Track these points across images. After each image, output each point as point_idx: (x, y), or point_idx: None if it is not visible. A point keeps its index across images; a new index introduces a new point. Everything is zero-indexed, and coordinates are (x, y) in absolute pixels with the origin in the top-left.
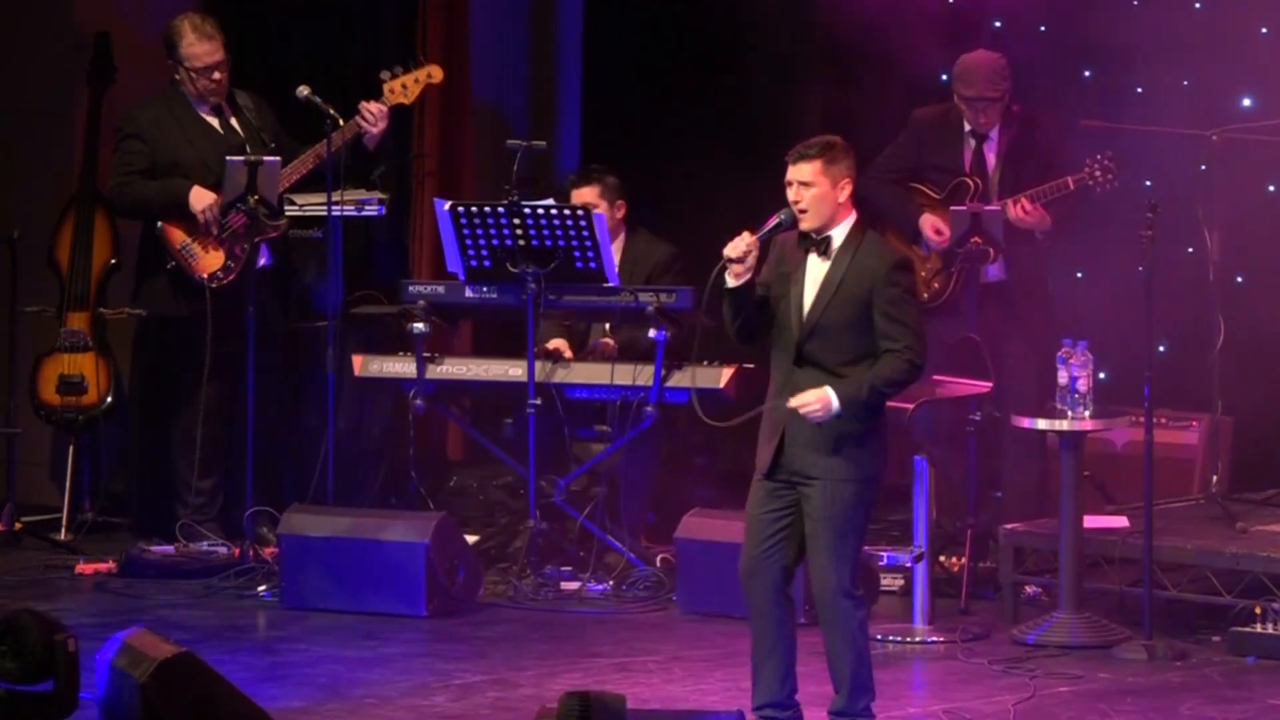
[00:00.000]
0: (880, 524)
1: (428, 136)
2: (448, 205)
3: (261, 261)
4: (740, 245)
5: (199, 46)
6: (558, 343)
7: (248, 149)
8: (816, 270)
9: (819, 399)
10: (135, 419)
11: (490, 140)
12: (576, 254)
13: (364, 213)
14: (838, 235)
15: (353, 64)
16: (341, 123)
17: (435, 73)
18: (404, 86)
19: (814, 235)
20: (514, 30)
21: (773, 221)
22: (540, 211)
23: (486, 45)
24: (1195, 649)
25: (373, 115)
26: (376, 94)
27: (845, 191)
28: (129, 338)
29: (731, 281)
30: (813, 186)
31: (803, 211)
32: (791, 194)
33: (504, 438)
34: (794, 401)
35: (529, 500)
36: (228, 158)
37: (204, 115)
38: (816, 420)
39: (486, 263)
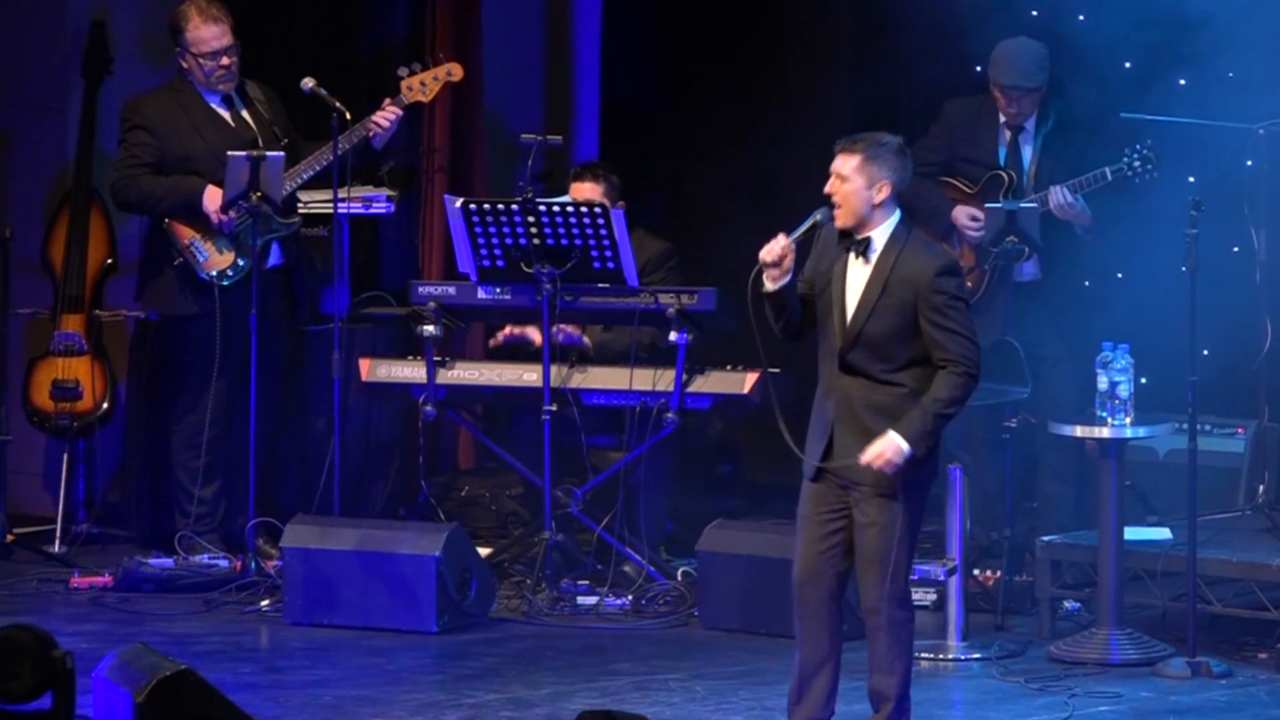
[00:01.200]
0: None
1: (438, 130)
2: (459, 202)
3: (272, 261)
4: (775, 249)
5: (205, 30)
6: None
7: (260, 142)
8: (858, 274)
9: (891, 449)
10: (134, 425)
11: (503, 135)
12: (594, 253)
13: (372, 210)
14: (878, 238)
15: (361, 56)
16: (348, 116)
17: (455, 70)
18: (422, 84)
19: (854, 235)
20: (529, 19)
21: (808, 222)
22: (556, 209)
23: (499, 34)
24: (1241, 667)
25: (391, 119)
26: (386, 89)
27: (882, 194)
28: (125, 341)
29: (769, 286)
30: (848, 181)
31: (837, 206)
32: (829, 184)
33: (513, 431)
34: (866, 457)
35: (544, 511)
36: (229, 152)
37: (214, 106)
38: (892, 470)
39: (500, 263)
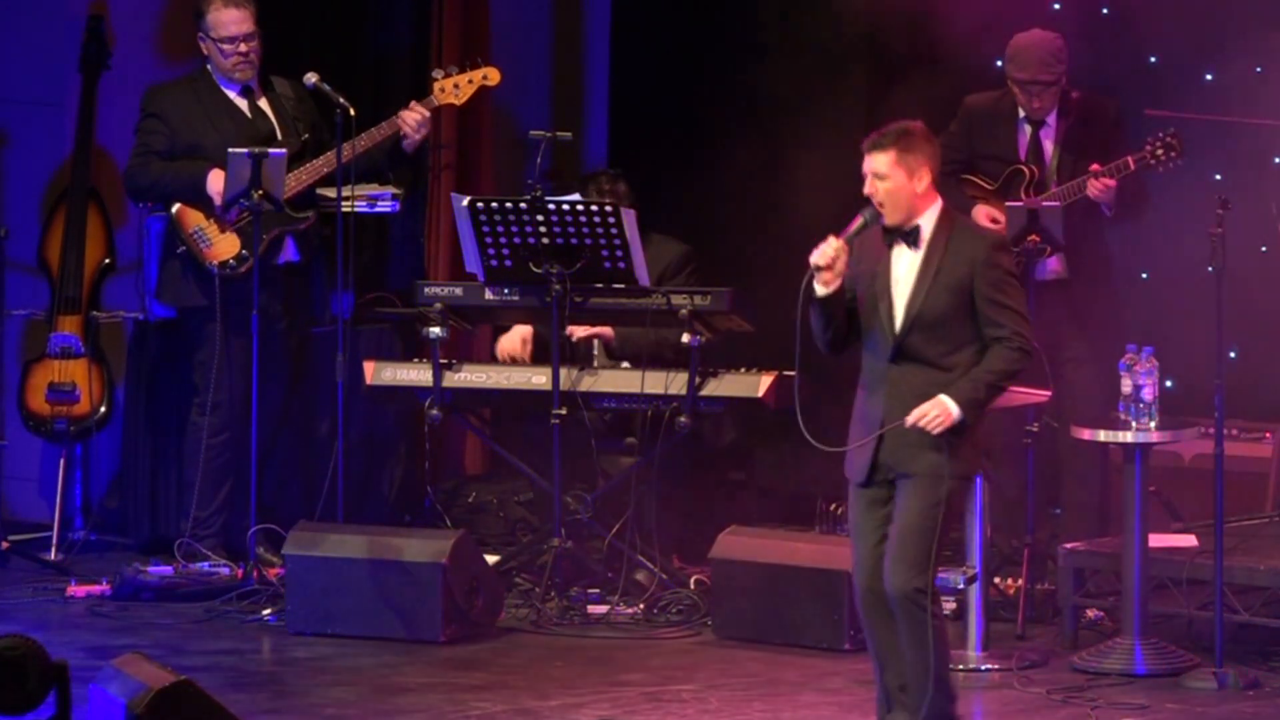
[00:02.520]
0: None
1: (444, 126)
2: (466, 200)
3: (285, 257)
4: (827, 251)
5: (226, 14)
6: (521, 332)
7: (278, 136)
8: (907, 262)
9: (939, 409)
10: (132, 429)
11: (511, 131)
12: (604, 253)
13: (377, 209)
14: (926, 223)
15: (367, 51)
16: (353, 112)
17: (492, 74)
18: (456, 86)
19: (902, 226)
20: (538, 15)
21: (857, 222)
22: (566, 207)
23: (508, 29)
24: (1268, 677)
25: (415, 123)
26: (392, 85)
27: (924, 181)
28: (123, 343)
29: (821, 290)
30: (887, 179)
31: (881, 205)
32: (867, 186)
33: (522, 436)
34: (911, 418)
35: (553, 517)
36: (230, 150)
37: (231, 96)
38: (938, 431)
39: (508, 262)
